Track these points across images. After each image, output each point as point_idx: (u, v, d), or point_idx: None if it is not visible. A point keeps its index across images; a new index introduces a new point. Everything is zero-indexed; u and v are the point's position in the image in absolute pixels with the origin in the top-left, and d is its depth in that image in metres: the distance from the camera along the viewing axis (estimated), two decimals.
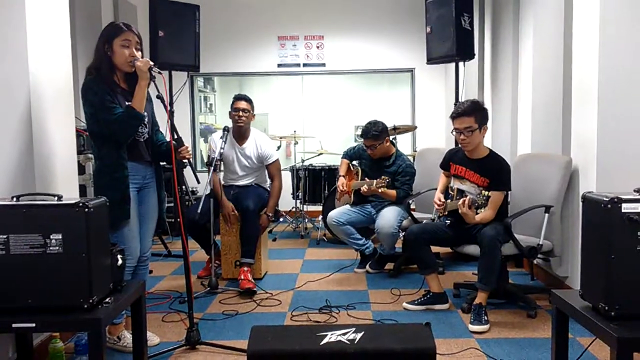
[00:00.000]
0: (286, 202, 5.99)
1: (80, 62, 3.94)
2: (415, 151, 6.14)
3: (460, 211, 3.06)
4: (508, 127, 4.57)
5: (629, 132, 2.98)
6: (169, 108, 2.65)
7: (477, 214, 3.09)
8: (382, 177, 3.92)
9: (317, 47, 6.90)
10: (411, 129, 6.05)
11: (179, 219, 2.68)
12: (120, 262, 2.25)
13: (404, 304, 3.39)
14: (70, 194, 2.86)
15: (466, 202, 3.03)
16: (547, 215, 3.19)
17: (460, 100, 4.51)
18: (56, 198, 2.04)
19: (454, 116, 3.21)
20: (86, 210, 1.98)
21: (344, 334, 2.03)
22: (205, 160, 4.36)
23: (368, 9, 6.81)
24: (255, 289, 3.70)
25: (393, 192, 4.06)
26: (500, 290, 3.32)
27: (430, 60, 4.83)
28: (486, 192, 3.08)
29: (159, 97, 2.60)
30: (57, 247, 1.97)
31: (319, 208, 5.65)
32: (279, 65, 6.92)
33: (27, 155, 2.54)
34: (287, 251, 5.11)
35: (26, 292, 1.97)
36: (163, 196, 2.93)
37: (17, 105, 2.50)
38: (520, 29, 4.44)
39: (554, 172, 3.29)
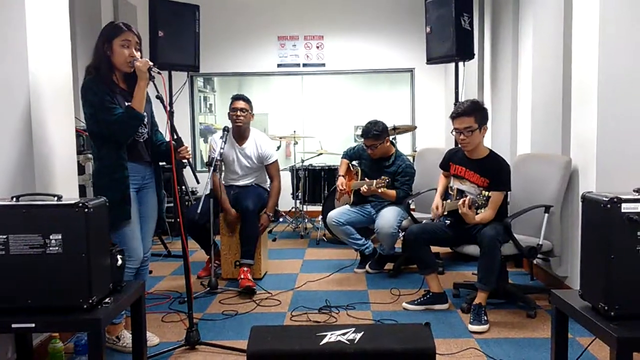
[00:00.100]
0: (286, 202, 5.99)
1: (80, 62, 3.94)
2: (415, 151, 6.14)
3: (460, 211, 3.06)
4: (508, 127, 4.57)
5: (628, 132, 2.98)
6: (168, 108, 2.65)
7: (477, 214, 3.09)
8: (382, 177, 3.92)
9: (317, 47, 6.90)
10: (411, 129, 6.05)
11: (178, 219, 2.68)
12: (119, 262, 2.25)
13: (404, 304, 3.39)
14: (70, 194, 2.85)
15: (466, 202, 3.03)
16: (546, 215, 3.19)
17: (460, 100, 4.51)
18: (56, 198, 2.04)
19: (454, 116, 3.21)
20: (86, 210, 1.98)
21: (344, 334, 2.03)
22: (206, 160, 4.37)
23: (368, 9, 6.81)
24: (255, 287, 3.70)
25: (393, 192, 4.06)
26: (499, 290, 3.32)
27: (430, 60, 4.83)
28: (486, 193, 3.08)
29: (159, 97, 2.60)
30: (57, 248, 1.97)
31: (319, 208, 5.65)
32: (279, 66, 6.93)
33: (26, 155, 2.54)
34: (286, 251, 5.11)
35: (26, 292, 1.97)
36: (162, 196, 2.93)
37: (17, 105, 2.50)
38: (520, 29, 4.44)
39: (554, 172, 3.29)
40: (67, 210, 1.98)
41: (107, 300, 2.09)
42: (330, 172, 5.64)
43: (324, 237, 5.51)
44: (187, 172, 2.77)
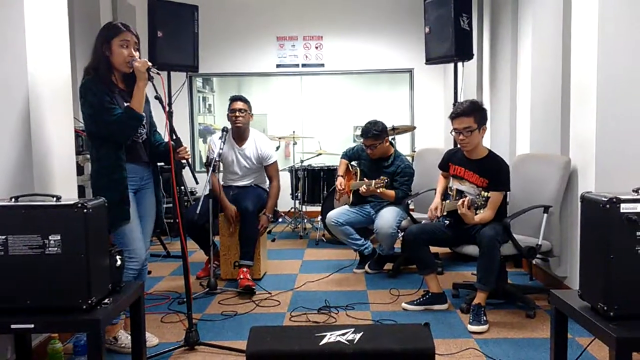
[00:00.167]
0: (285, 202, 5.99)
1: (78, 62, 3.94)
2: (414, 151, 6.14)
3: (459, 212, 3.06)
4: (507, 127, 4.57)
5: (627, 132, 2.98)
6: (167, 109, 2.65)
7: (476, 214, 3.09)
8: (381, 177, 3.92)
9: (316, 48, 6.90)
10: (410, 129, 6.06)
11: (177, 220, 2.67)
12: (118, 262, 2.24)
13: (403, 304, 3.39)
14: (69, 195, 2.85)
15: (465, 202, 3.03)
16: (545, 215, 3.19)
17: (459, 100, 4.52)
18: (55, 199, 2.03)
19: (453, 116, 3.21)
20: (85, 211, 1.97)
21: (343, 334, 2.02)
22: (204, 160, 4.37)
23: (367, 9, 6.82)
24: (254, 287, 3.70)
25: (392, 192, 4.06)
26: (499, 290, 3.32)
27: (429, 60, 4.84)
28: (485, 193, 3.08)
29: (158, 97, 2.60)
30: (56, 248, 1.97)
31: (318, 208, 5.65)
32: (278, 66, 6.93)
33: (25, 155, 2.54)
34: (286, 252, 5.11)
35: (25, 292, 1.97)
36: (161, 196, 2.92)
37: (16, 106, 2.50)
38: (519, 29, 4.44)
39: (553, 172, 3.30)
40: (66, 210, 1.98)
41: (106, 300, 2.09)
42: (330, 173, 5.64)
43: (323, 238, 5.51)
44: (186, 172, 2.77)
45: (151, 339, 2.84)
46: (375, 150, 4.15)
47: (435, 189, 3.63)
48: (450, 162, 3.43)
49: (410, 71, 6.93)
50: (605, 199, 1.84)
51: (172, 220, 5.60)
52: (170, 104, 3.74)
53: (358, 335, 2.01)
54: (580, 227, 2.05)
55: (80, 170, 3.81)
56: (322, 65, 6.92)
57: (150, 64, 2.57)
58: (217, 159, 3.78)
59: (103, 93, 2.53)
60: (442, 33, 4.56)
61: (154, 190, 2.87)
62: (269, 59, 6.90)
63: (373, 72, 6.99)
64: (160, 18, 4.44)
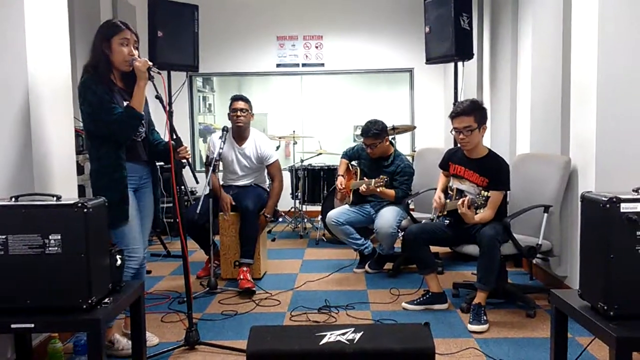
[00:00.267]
0: (285, 202, 5.98)
1: (79, 62, 3.93)
2: (415, 151, 6.14)
3: (459, 211, 3.06)
4: (507, 127, 4.57)
5: (627, 132, 2.98)
6: (167, 108, 2.64)
7: (476, 214, 3.09)
8: (381, 176, 3.92)
9: (316, 47, 6.90)
10: (410, 129, 6.06)
11: (178, 219, 2.67)
12: (119, 262, 2.24)
13: (403, 304, 3.39)
14: (69, 195, 2.85)
15: (465, 202, 3.03)
16: (546, 215, 3.19)
17: (459, 100, 4.52)
18: (55, 198, 2.03)
19: (453, 115, 3.21)
20: (85, 210, 1.97)
21: (343, 334, 2.02)
22: (204, 160, 4.37)
23: (367, 9, 6.81)
24: (254, 288, 3.70)
25: (392, 191, 4.07)
26: (499, 290, 3.32)
27: (429, 60, 4.84)
28: (485, 193, 3.09)
29: (158, 97, 2.59)
30: (56, 248, 1.97)
31: (318, 208, 5.65)
32: (278, 65, 6.92)
33: (25, 155, 2.54)
34: (286, 251, 5.11)
35: (25, 292, 1.97)
36: (159, 195, 2.92)
37: (16, 105, 2.50)
38: (519, 29, 4.44)
39: (553, 172, 3.30)
40: (66, 210, 1.98)
41: (106, 300, 2.09)
42: (330, 172, 5.64)
43: (323, 237, 5.51)
44: (186, 172, 2.77)
45: (151, 339, 2.84)
46: (375, 150, 4.15)
47: (435, 189, 3.63)
48: (451, 161, 3.44)
49: (410, 71, 6.92)
50: (606, 199, 1.84)
51: (172, 220, 5.60)
52: (170, 104, 3.74)
53: (358, 335, 2.01)
54: (581, 226, 2.05)
55: (80, 170, 3.82)
56: (322, 64, 6.92)
57: (150, 63, 2.57)
58: (217, 159, 3.78)
59: (103, 92, 2.53)
60: (442, 33, 4.56)
61: (152, 189, 2.87)
62: (269, 58, 6.90)
63: (373, 71, 6.99)
64: (160, 18, 4.44)
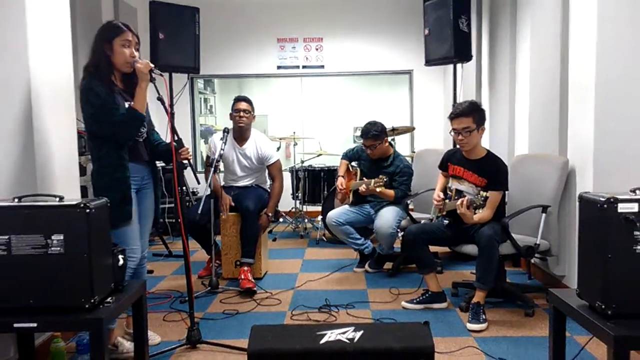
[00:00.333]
0: (286, 202, 5.99)
1: (80, 63, 3.92)
2: (414, 152, 6.15)
3: (458, 211, 3.08)
4: (505, 128, 4.59)
5: (625, 133, 3.00)
6: (169, 110, 2.66)
7: (475, 214, 3.11)
8: (380, 176, 3.94)
9: (316, 49, 6.92)
10: (409, 130, 6.07)
11: (179, 220, 2.69)
12: (121, 262, 2.26)
13: (403, 303, 3.41)
14: (72, 195, 2.87)
15: (464, 202, 3.05)
16: (544, 215, 3.21)
17: (458, 101, 4.53)
18: (57, 199, 2.05)
19: (452, 117, 3.23)
20: (87, 211, 1.99)
21: (344, 333, 2.04)
22: (204, 160, 4.39)
23: (367, 11, 6.83)
24: (255, 288, 3.72)
25: (391, 192, 4.08)
26: (498, 289, 3.34)
27: (429, 61, 4.86)
28: (484, 193, 3.10)
29: (160, 99, 2.61)
30: (59, 248, 1.98)
31: (319, 208, 5.67)
32: (279, 67, 6.94)
33: (28, 156, 2.55)
34: (286, 251, 5.12)
35: (28, 292, 1.99)
36: (159, 196, 2.93)
37: (18, 106, 2.51)
38: (518, 31, 4.46)
39: (551, 173, 3.31)
40: (68, 210, 1.99)
41: (108, 300, 2.11)
42: (330, 173, 5.66)
43: (323, 237, 5.53)
44: (188, 173, 2.79)
45: (153, 338, 2.85)
46: (375, 151, 4.17)
47: (434, 189, 3.65)
48: (450, 162, 3.45)
49: (409, 72, 6.94)
50: (603, 199, 1.86)
51: (174, 220, 5.62)
52: (171, 105, 3.76)
53: (358, 334, 2.03)
54: (579, 226, 2.07)
55: (82, 171, 3.83)
56: (322, 66, 6.94)
57: (152, 65, 2.58)
58: (218, 159, 3.80)
59: (105, 93, 2.54)
60: (442, 34, 4.58)
61: (153, 189, 2.88)
62: (269, 60, 6.92)
63: (373, 73, 7.01)
64: (161, 20, 4.46)
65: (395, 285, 3.84)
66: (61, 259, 1.98)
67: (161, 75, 2.64)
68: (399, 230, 4.13)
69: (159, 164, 2.97)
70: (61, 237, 1.98)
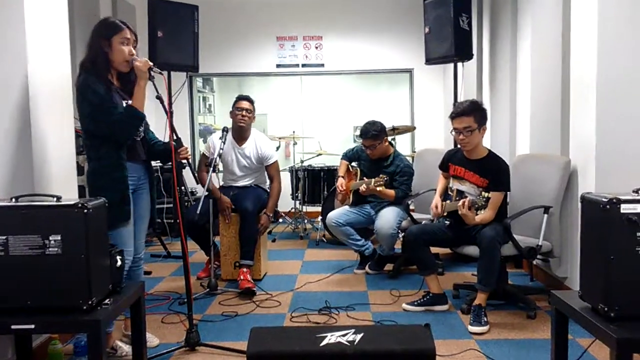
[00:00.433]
0: (285, 202, 5.99)
1: (78, 62, 3.93)
2: (414, 152, 6.14)
3: (459, 212, 3.06)
4: (507, 128, 4.57)
5: (628, 133, 2.98)
6: (168, 109, 2.64)
7: (477, 214, 3.09)
8: (380, 175, 3.92)
9: (316, 48, 6.90)
10: (410, 129, 6.06)
11: (178, 220, 2.67)
12: (119, 263, 2.24)
13: (404, 305, 3.39)
14: (69, 195, 2.84)
15: (466, 203, 3.03)
16: (546, 216, 3.19)
17: (459, 100, 4.52)
18: (55, 199, 2.03)
19: (453, 116, 3.21)
20: (85, 211, 1.97)
21: (344, 335, 2.03)
22: (200, 159, 4.37)
23: (366, 9, 6.81)
24: (254, 289, 3.70)
25: (391, 191, 4.06)
26: (499, 291, 3.32)
27: (429, 60, 4.84)
28: (486, 194, 3.08)
29: (158, 97, 2.59)
30: (56, 248, 1.97)
31: (318, 209, 5.65)
32: (278, 66, 6.92)
33: (25, 155, 2.54)
34: (286, 252, 5.11)
35: (25, 293, 1.97)
36: (155, 196, 2.91)
37: (16, 106, 2.50)
38: (519, 29, 4.44)
39: (553, 173, 3.30)
40: (66, 210, 1.98)
41: (106, 301, 2.09)
42: (330, 173, 5.64)
43: (323, 238, 5.51)
44: (187, 172, 2.77)
45: (152, 340, 2.84)
46: (374, 151, 4.15)
47: (435, 190, 3.63)
48: (450, 162, 3.43)
49: (410, 71, 6.92)
50: (606, 200, 1.84)
51: (172, 221, 5.60)
52: (170, 104, 3.74)
53: (359, 336, 2.01)
54: (581, 227, 2.05)
55: (80, 171, 3.81)
56: (322, 65, 6.92)
57: (151, 63, 2.56)
58: (216, 158, 3.78)
59: (103, 91, 2.51)
60: (442, 33, 4.56)
61: (149, 189, 2.86)
62: (268, 59, 6.90)
63: (373, 72, 6.99)
64: (160, 18, 4.44)
65: (396, 287, 3.82)
66: (59, 260, 1.97)
67: (161, 73, 2.62)
68: (399, 231, 4.11)
69: (156, 163, 2.95)
70: (58, 237, 1.97)
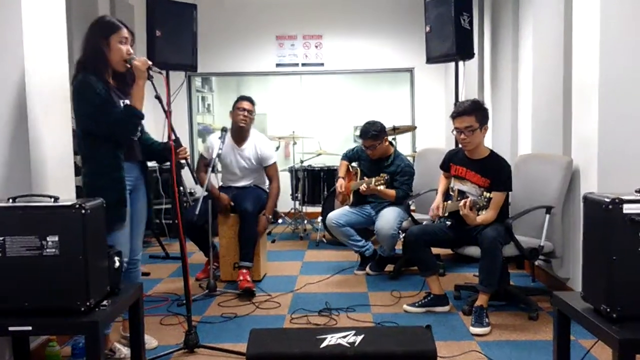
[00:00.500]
0: (285, 203, 5.97)
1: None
2: (415, 152, 6.13)
3: (461, 212, 3.05)
4: (508, 127, 4.56)
5: (630, 132, 2.95)
6: (168, 108, 2.62)
7: (478, 215, 3.07)
8: (381, 174, 3.90)
9: (316, 47, 6.89)
10: (411, 129, 6.04)
11: (177, 221, 2.65)
12: (117, 264, 2.22)
13: (405, 306, 3.38)
14: (67, 196, 2.82)
15: (467, 203, 3.01)
16: (548, 216, 3.17)
17: (460, 100, 4.50)
18: (53, 199, 2.02)
19: (455, 115, 3.20)
20: (83, 212, 1.95)
21: (344, 336, 2.01)
22: (199, 159, 4.35)
23: (367, 8, 6.80)
24: (254, 289, 3.68)
25: (392, 191, 4.05)
26: (501, 292, 3.31)
27: (430, 59, 4.82)
28: (487, 194, 3.06)
29: (157, 97, 2.58)
30: (54, 249, 1.95)
31: (318, 209, 5.63)
32: (277, 65, 6.90)
33: (23, 156, 2.52)
34: (286, 253, 5.09)
35: (23, 294, 1.95)
36: (151, 197, 2.89)
37: (13, 105, 2.48)
38: (520, 28, 4.43)
39: (555, 173, 3.28)
40: (64, 211, 1.96)
41: (104, 302, 2.07)
42: (330, 173, 5.63)
43: (323, 239, 5.49)
44: (186, 173, 2.75)
45: (150, 342, 2.82)
46: (375, 151, 4.13)
47: (436, 190, 3.62)
48: (452, 162, 3.42)
49: (410, 70, 6.91)
50: (608, 200, 1.82)
51: (171, 221, 5.58)
52: (169, 104, 3.73)
53: (359, 338, 2.00)
54: (583, 228, 2.03)
55: (78, 171, 3.79)
56: (322, 64, 6.90)
57: (150, 63, 2.55)
58: (215, 158, 3.77)
59: (104, 91, 2.50)
60: (443, 32, 4.54)
61: (145, 190, 2.84)
62: (268, 58, 6.88)
63: (373, 71, 6.97)
64: (158, 17, 4.43)
65: (396, 288, 3.80)
66: (56, 261, 1.95)
67: (160, 73, 2.60)
68: (400, 231, 4.10)
69: (153, 164, 2.93)
70: (56, 238, 1.95)
